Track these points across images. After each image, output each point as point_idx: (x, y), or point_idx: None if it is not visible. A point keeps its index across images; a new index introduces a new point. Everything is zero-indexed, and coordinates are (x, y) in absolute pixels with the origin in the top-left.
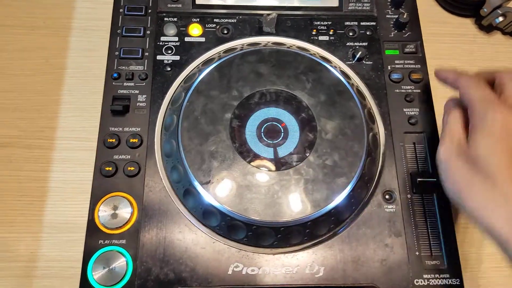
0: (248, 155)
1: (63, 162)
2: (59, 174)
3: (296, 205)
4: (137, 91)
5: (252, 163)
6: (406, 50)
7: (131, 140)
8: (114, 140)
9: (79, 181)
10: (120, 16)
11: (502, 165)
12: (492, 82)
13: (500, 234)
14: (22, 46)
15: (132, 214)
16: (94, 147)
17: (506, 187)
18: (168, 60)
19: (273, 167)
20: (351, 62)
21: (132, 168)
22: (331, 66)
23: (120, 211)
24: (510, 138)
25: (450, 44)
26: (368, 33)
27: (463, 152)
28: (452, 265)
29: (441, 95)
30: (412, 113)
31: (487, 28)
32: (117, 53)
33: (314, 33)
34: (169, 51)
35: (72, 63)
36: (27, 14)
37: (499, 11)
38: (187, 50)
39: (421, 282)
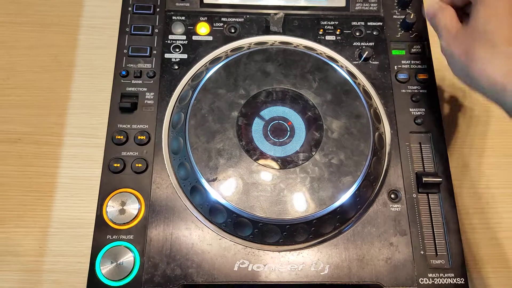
0: (254, 153)
1: (72, 159)
2: (67, 170)
3: (301, 203)
4: (145, 89)
5: (258, 161)
6: (413, 50)
7: (139, 137)
8: (122, 137)
9: (87, 177)
10: (129, 15)
11: (500, 29)
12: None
13: (499, 84)
14: (32, 43)
15: (139, 210)
16: (102, 144)
17: (504, 46)
18: (176, 58)
19: (279, 165)
20: (357, 62)
21: (139, 165)
22: (338, 65)
23: (128, 207)
24: (507, 8)
25: None
26: (374, 33)
27: (462, 33)
28: (457, 264)
29: (447, 95)
30: (418, 113)
31: None
32: (125, 51)
33: (321, 32)
34: (177, 50)
35: (81, 60)
36: (37, 12)
37: None
38: (195, 49)
39: (426, 281)
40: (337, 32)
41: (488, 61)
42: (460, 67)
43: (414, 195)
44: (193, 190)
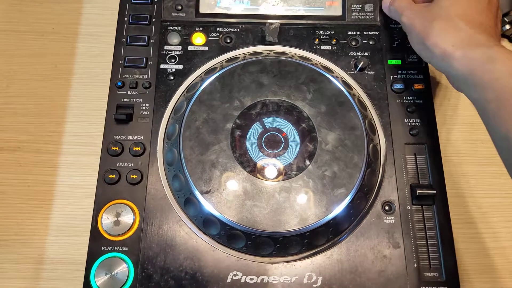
0: (248, 164)
1: (70, 167)
2: (66, 178)
3: (295, 215)
4: (140, 100)
5: (252, 173)
6: (409, 60)
7: (134, 148)
8: (117, 148)
9: (85, 185)
10: (125, 25)
11: (456, 5)
12: None
13: (448, 53)
14: (32, 51)
15: (134, 221)
16: (99, 152)
17: (458, 20)
18: (171, 69)
19: (273, 177)
20: (353, 72)
21: (134, 176)
22: (333, 76)
23: (122, 218)
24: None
25: None
26: (371, 42)
27: (423, 9)
28: (450, 277)
29: (443, 106)
30: (414, 124)
31: None
32: (121, 61)
33: (316, 42)
34: (173, 60)
35: (79, 68)
36: (37, 20)
37: (506, 19)
38: (190, 59)
39: None
40: (333, 42)
41: (442, 32)
42: (419, 40)
43: (408, 207)
44: (187, 202)
